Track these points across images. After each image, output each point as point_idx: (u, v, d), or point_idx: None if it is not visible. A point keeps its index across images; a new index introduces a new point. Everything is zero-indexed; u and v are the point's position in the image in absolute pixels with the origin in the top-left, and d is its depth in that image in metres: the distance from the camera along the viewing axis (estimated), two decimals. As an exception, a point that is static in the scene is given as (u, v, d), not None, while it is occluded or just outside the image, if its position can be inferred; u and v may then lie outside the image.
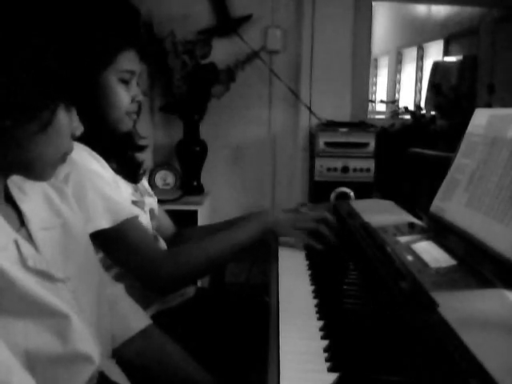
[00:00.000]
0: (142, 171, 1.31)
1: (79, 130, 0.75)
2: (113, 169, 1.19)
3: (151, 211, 1.30)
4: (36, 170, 0.73)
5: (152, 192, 1.40)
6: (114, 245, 1.10)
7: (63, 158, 0.75)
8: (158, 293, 1.21)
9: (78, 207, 0.92)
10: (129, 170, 1.25)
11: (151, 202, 1.33)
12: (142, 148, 1.33)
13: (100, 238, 1.04)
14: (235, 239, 1.20)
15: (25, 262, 0.68)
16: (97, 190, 1.07)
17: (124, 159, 1.26)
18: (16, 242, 0.69)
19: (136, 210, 1.14)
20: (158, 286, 1.11)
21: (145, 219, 1.25)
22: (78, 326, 0.71)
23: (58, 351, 0.69)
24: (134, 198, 1.23)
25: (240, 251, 1.22)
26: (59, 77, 0.68)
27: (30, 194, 0.79)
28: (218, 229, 1.44)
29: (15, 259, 0.68)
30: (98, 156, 1.14)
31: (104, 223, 1.06)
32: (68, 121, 0.72)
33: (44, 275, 0.71)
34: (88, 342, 0.73)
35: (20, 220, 0.76)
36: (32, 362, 0.65)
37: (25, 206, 0.77)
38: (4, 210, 0.73)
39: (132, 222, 1.11)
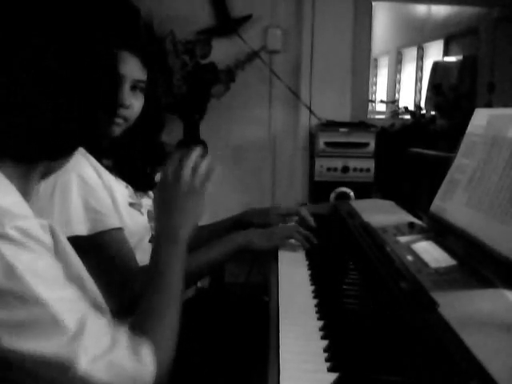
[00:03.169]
0: (151, 182, 1.30)
1: None
2: (108, 169, 1.18)
3: (149, 212, 1.30)
4: None
5: (152, 193, 1.39)
6: (88, 253, 1.07)
7: None
8: (123, 309, 0.98)
9: (59, 210, 0.95)
10: (137, 180, 1.26)
11: (150, 203, 1.33)
12: (159, 162, 1.33)
13: (75, 244, 1.03)
14: (209, 259, 1.22)
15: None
16: (81, 197, 1.07)
17: (134, 169, 1.26)
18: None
19: (118, 222, 1.12)
20: (124, 301, 1.02)
21: (142, 220, 1.25)
22: None
23: None
24: (131, 200, 1.22)
25: (213, 268, 1.32)
26: (59, 77, 0.68)
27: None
28: (217, 227, 1.45)
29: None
30: (93, 159, 1.14)
31: (82, 230, 1.06)
32: None
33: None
34: None
35: None
36: None
37: None
38: None
39: (111, 233, 1.10)
